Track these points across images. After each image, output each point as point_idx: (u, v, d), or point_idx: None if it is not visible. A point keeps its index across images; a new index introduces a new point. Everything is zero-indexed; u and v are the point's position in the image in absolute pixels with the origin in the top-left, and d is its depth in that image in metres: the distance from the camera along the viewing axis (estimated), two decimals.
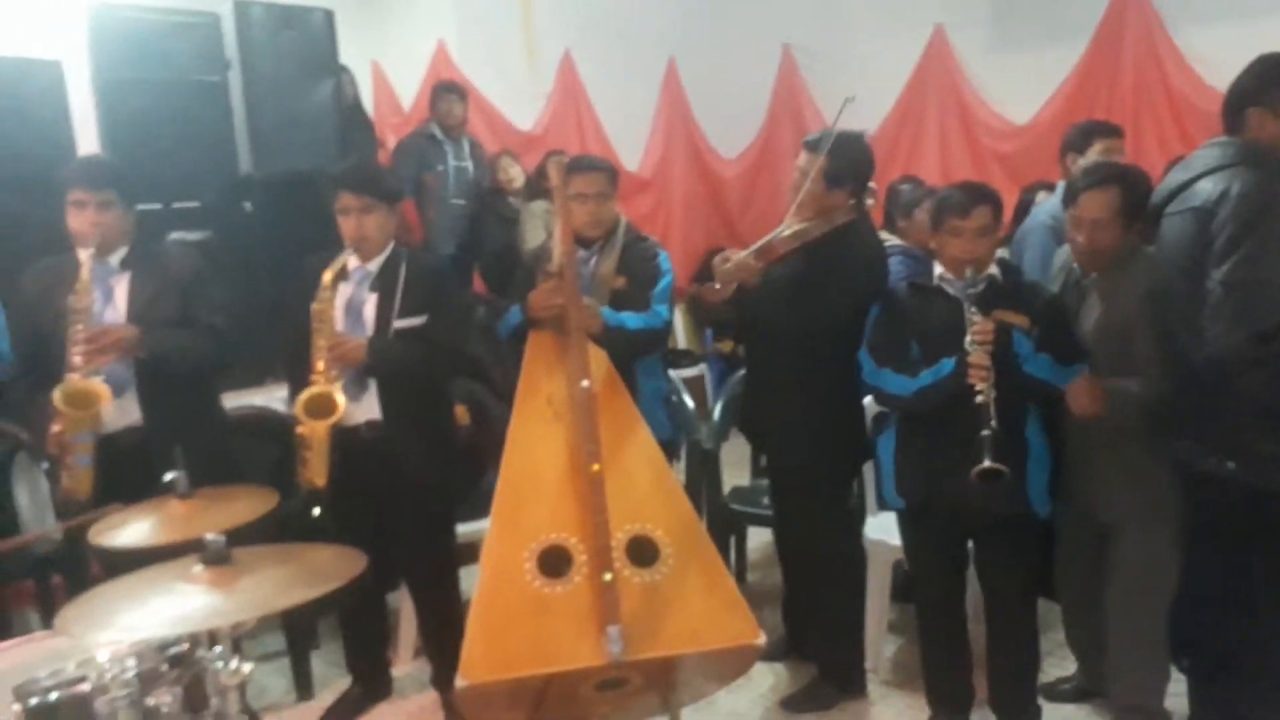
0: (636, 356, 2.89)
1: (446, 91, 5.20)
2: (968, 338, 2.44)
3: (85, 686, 1.48)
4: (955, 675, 2.80)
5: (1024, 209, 4.24)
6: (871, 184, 3.03)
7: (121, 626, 1.46)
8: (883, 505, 2.92)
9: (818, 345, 2.80)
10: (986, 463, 2.32)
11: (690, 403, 3.85)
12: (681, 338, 6.54)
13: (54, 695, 1.47)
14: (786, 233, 2.79)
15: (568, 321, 2.50)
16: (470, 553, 3.75)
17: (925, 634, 2.84)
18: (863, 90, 3.13)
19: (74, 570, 3.41)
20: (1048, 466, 2.58)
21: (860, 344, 2.71)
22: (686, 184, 6.88)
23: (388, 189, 2.90)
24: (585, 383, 2.38)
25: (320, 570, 1.64)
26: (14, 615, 3.33)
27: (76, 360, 2.52)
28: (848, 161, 2.82)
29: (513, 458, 2.53)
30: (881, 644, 3.28)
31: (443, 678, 3.04)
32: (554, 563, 2.38)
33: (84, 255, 2.68)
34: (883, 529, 3.19)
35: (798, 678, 3.17)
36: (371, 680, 3.17)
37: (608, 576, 2.24)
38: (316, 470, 2.64)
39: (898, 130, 6.38)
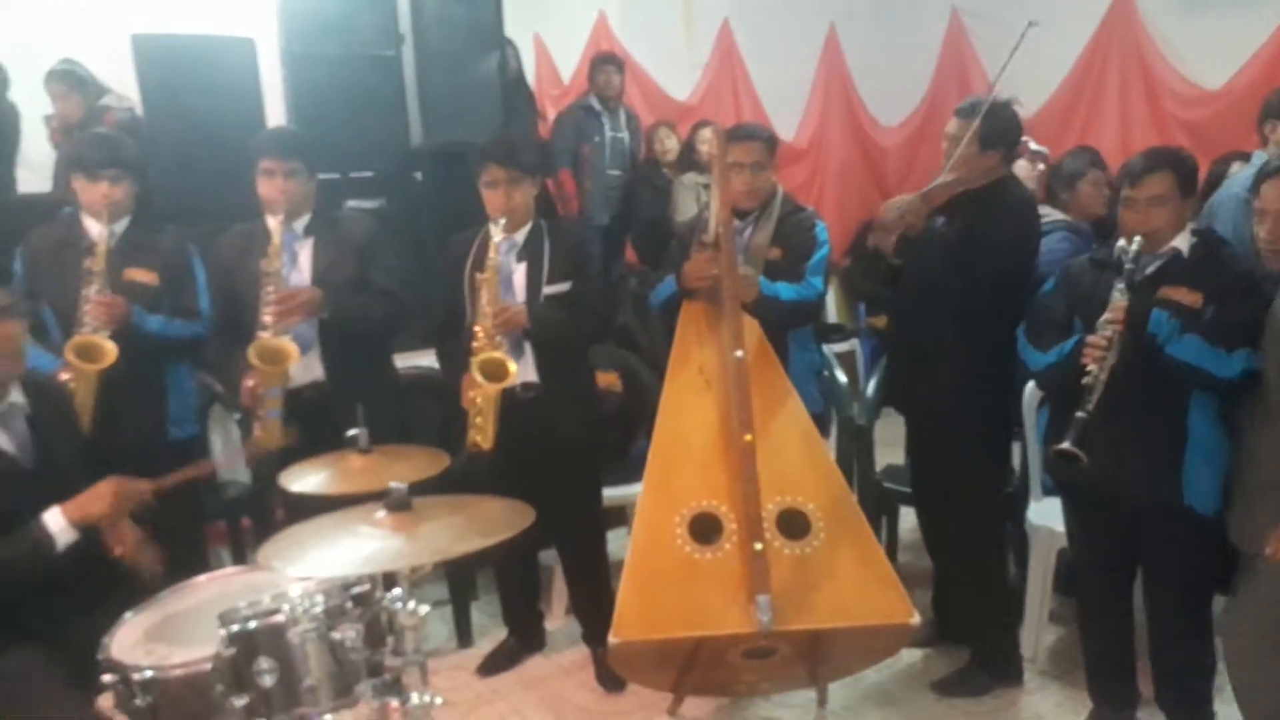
0: (790, 328, 2.87)
1: (605, 63, 5.26)
2: (1104, 316, 2.33)
3: (280, 618, 1.62)
4: (1118, 670, 2.67)
5: (1215, 181, 3.93)
6: (1043, 148, 2.90)
7: (312, 564, 1.58)
8: (1047, 489, 2.81)
9: (971, 308, 2.71)
10: (1064, 444, 2.25)
11: (843, 377, 3.80)
12: (834, 312, 6.43)
13: (252, 624, 1.62)
14: (948, 179, 2.72)
15: (722, 292, 2.50)
16: (620, 516, 3.87)
17: (1085, 624, 2.73)
18: (1036, 55, 2.99)
19: (261, 513, 3.71)
20: (1218, 461, 2.38)
21: (1014, 312, 2.65)
22: (843, 153, 6.74)
23: (532, 161, 2.97)
24: (738, 353, 2.39)
25: (491, 521, 1.73)
26: (210, 552, 3.62)
27: (267, 320, 2.71)
28: (999, 125, 2.74)
29: (664, 425, 2.57)
30: (1042, 632, 3.17)
31: (591, 634, 3.15)
32: (704, 530, 2.41)
33: (273, 222, 2.87)
34: (1046, 514, 3.07)
35: (948, 664, 3.11)
36: (526, 633, 3.31)
37: (758, 546, 2.26)
38: (486, 433, 2.75)
39: (1074, 97, 6.02)
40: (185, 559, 3.01)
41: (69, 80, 4.83)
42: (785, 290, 2.79)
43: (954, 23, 6.71)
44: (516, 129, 4.70)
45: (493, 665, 3.23)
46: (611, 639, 2.23)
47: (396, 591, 1.65)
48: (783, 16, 6.32)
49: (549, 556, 3.50)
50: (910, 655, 3.16)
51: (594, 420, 3.14)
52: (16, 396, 2.08)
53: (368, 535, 1.64)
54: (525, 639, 3.31)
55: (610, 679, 3.06)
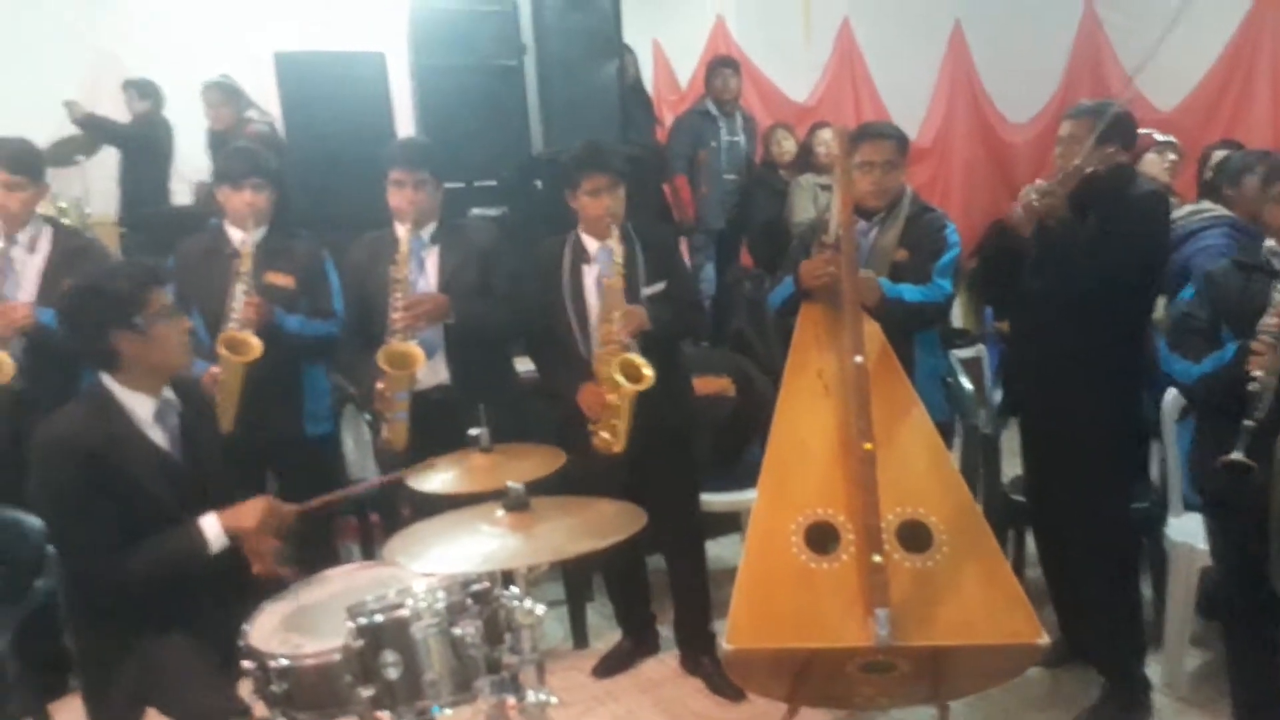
0: (914, 331, 2.80)
1: (721, 66, 5.25)
2: (1264, 319, 2.20)
3: (404, 612, 1.67)
4: (1267, 699, 2.50)
5: None
6: (1170, 138, 2.76)
7: (435, 560, 1.63)
8: (1187, 504, 2.65)
9: (1099, 308, 2.59)
10: (1234, 455, 2.14)
11: (968, 384, 3.68)
12: (959, 316, 6.24)
13: (379, 618, 1.68)
14: (1075, 163, 2.62)
15: (842, 294, 2.46)
16: (733, 522, 3.85)
17: (1233, 649, 2.56)
18: (1177, 46, 2.86)
19: (388, 510, 3.84)
20: None
21: (1143, 311, 2.57)
22: (968, 152, 6.55)
23: (623, 167, 3.00)
24: (859, 358, 2.33)
25: (605, 523, 1.75)
26: (340, 547, 3.78)
27: (396, 325, 2.81)
28: (1116, 123, 2.64)
29: (781, 431, 2.54)
30: (1183, 656, 2.99)
31: (685, 637, 3.16)
32: (821, 539, 2.37)
33: (401, 230, 2.98)
34: (1187, 531, 2.89)
35: (1078, 686, 2.96)
36: (640, 635, 3.32)
37: (877, 558, 2.20)
38: (619, 435, 2.79)
39: (1219, 90, 5.68)
40: (317, 553, 3.18)
41: (224, 91, 5.19)
42: (910, 292, 2.72)
43: (1088, 15, 6.43)
44: (627, 134, 4.75)
45: (608, 667, 3.26)
46: (725, 645, 2.21)
47: (514, 590, 1.68)
48: (905, 14, 6.19)
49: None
50: (1038, 679, 3.03)
51: (690, 416, 3.15)
52: (169, 394, 2.22)
53: (487, 533, 1.69)
54: (640, 641, 3.33)
55: (727, 688, 3.04)
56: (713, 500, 3.47)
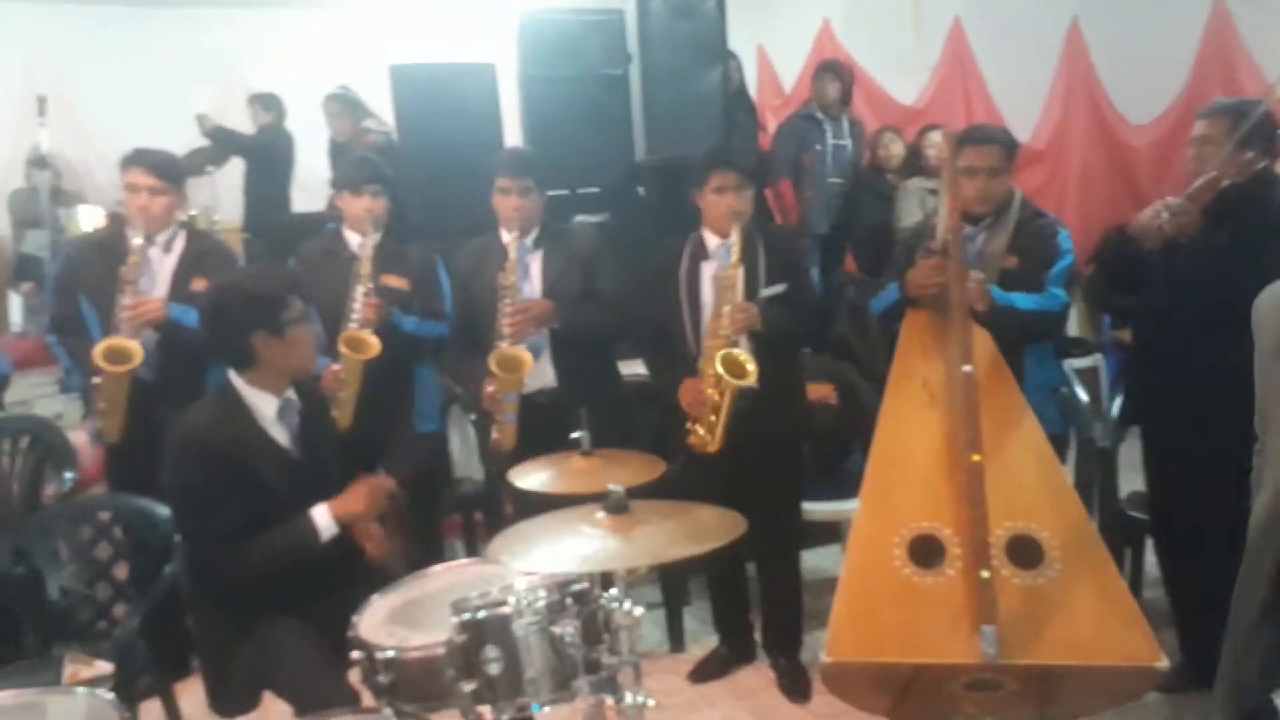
0: (1027, 341, 2.71)
1: (825, 70, 5.19)
2: None
3: (506, 609, 1.70)
4: None
5: None
6: None
7: (536, 559, 1.66)
8: None
9: (1235, 320, 2.45)
10: None
11: (1083, 396, 3.54)
12: (1074, 325, 6.01)
13: (481, 614, 1.72)
14: (1209, 175, 2.49)
15: (949, 301, 2.40)
16: (832, 532, 3.79)
17: None
18: None
19: (492, 508, 3.93)
20: None
21: None
22: (1085, 154, 6.30)
23: (755, 168, 2.98)
24: (967, 367, 2.27)
25: (705, 528, 1.75)
26: (445, 544, 3.89)
27: (505, 330, 2.89)
28: (1258, 125, 2.52)
29: (884, 441, 2.49)
30: None
31: (773, 643, 3.16)
32: (925, 552, 2.31)
33: (507, 236, 3.05)
34: None
35: (1199, 713, 2.81)
36: (737, 642, 3.31)
37: (985, 574, 2.14)
38: (715, 434, 2.79)
39: None
40: (423, 549, 3.28)
41: (343, 103, 5.43)
42: (1022, 300, 2.64)
43: (1217, 10, 6.10)
44: (730, 138, 4.74)
45: (704, 672, 3.25)
46: (824, 658, 2.18)
47: (613, 591, 1.70)
48: (1020, 12, 6.00)
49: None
50: (1157, 701, 2.88)
51: (801, 432, 3.11)
52: (291, 394, 2.33)
53: (588, 535, 1.71)
54: (736, 648, 3.31)
55: (796, 690, 3.05)
56: (812, 509, 3.43)
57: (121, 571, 2.82)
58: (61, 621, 2.71)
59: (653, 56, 4.58)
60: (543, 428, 2.89)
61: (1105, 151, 6.31)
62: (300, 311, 2.27)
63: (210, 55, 6.57)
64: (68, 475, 3.52)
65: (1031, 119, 6.24)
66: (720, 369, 2.74)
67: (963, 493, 2.23)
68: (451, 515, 4.01)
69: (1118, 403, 3.51)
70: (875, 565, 2.31)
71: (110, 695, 1.78)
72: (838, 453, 3.70)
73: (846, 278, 4.80)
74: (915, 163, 4.95)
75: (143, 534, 2.77)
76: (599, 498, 1.88)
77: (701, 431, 2.84)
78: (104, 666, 2.44)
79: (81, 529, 2.79)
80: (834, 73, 5.19)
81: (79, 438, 3.72)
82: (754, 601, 3.34)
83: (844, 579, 2.32)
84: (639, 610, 1.67)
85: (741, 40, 5.38)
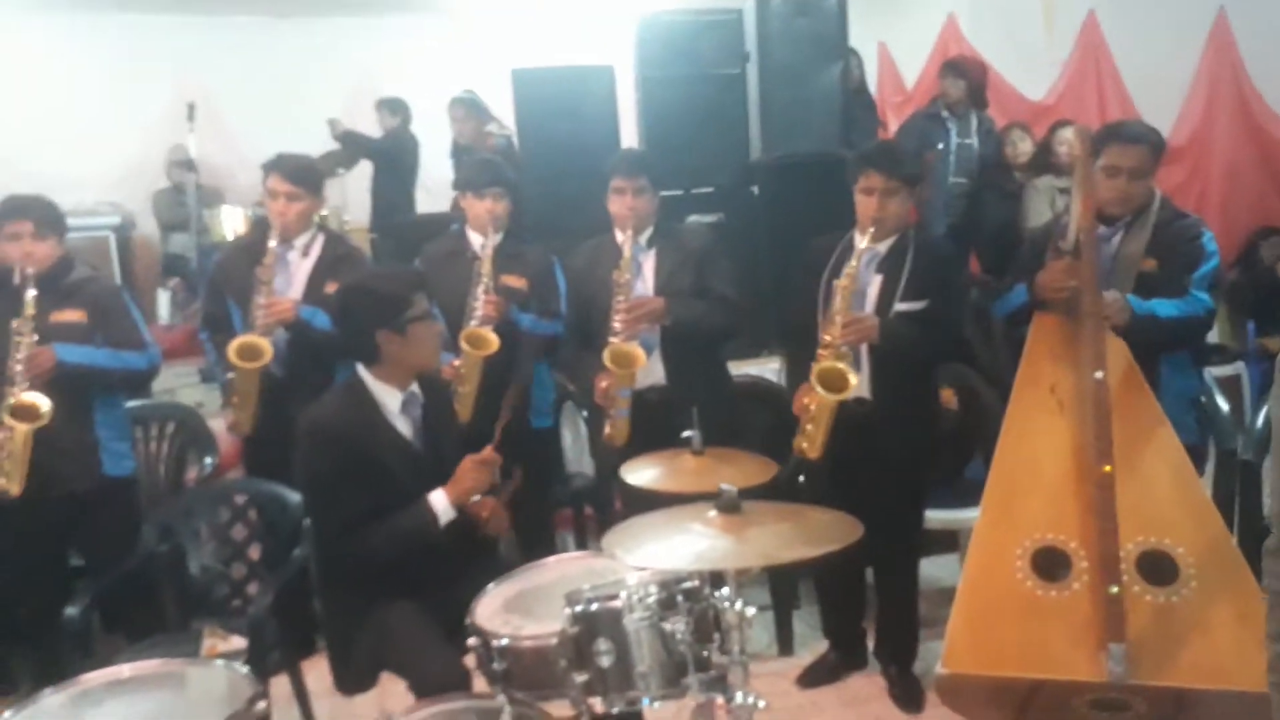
0: (1167, 349, 2.57)
1: (952, 68, 5.05)
2: None
3: (618, 603, 1.73)
4: None
5: None
6: None
7: (648, 555, 1.68)
8: None
9: None
10: None
11: (1224, 405, 3.34)
12: (1216, 331, 5.67)
13: (594, 606, 1.74)
14: None
15: (1081, 305, 2.30)
16: (950, 540, 3.69)
17: None
18: None
19: (601, 503, 3.98)
20: None
21: None
22: (1231, 152, 5.92)
23: (910, 172, 2.89)
24: (1099, 374, 2.19)
25: (819, 531, 1.73)
26: (556, 536, 3.95)
27: (618, 327, 2.92)
28: None
29: (1009, 448, 2.41)
30: None
31: (886, 652, 3.09)
32: (1049, 564, 2.24)
33: (621, 236, 3.08)
34: None
35: None
36: (847, 649, 3.26)
37: (1114, 590, 2.06)
38: (814, 442, 2.75)
39: None
40: (535, 540, 3.35)
41: (467, 106, 5.59)
42: (1163, 307, 2.51)
43: None
44: (849, 138, 4.66)
45: (813, 677, 3.21)
46: (941, 669, 2.13)
47: (725, 591, 1.70)
48: (1161, 3, 5.69)
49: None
50: None
51: (927, 445, 3.01)
52: (415, 388, 2.42)
53: (699, 533, 1.71)
54: (846, 655, 3.26)
55: (908, 700, 2.99)
56: (930, 517, 3.33)
57: (255, 552, 2.97)
58: (200, 597, 2.88)
59: (771, 54, 4.55)
60: (653, 424, 2.93)
61: (1253, 148, 5.92)
62: (423, 310, 2.35)
63: (343, 62, 6.87)
64: (208, 460, 3.74)
65: (1170, 114, 5.91)
66: (815, 381, 2.70)
67: (1092, 504, 2.15)
68: (563, 509, 4.07)
69: (1262, 413, 3.29)
70: (996, 576, 2.24)
71: (245, 669, 1.89)
72: (957, 459, 3.59)
73: (969, 279, 4.65)
74: (1045, 160, 4.77)
75: (275, 517, 2.92)
76: (709, 497, 1.88)
77: (803, 439, 2.81)
78: (238, 641, 2.57)
79: (220, 511, 2.96)
80: (959, 71, 5.04)
81: (218, 425, 3.95)
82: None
83: (963, 589, 2.26)
84: (750, 610, 1.66)
85: (862, 37, 5.29)
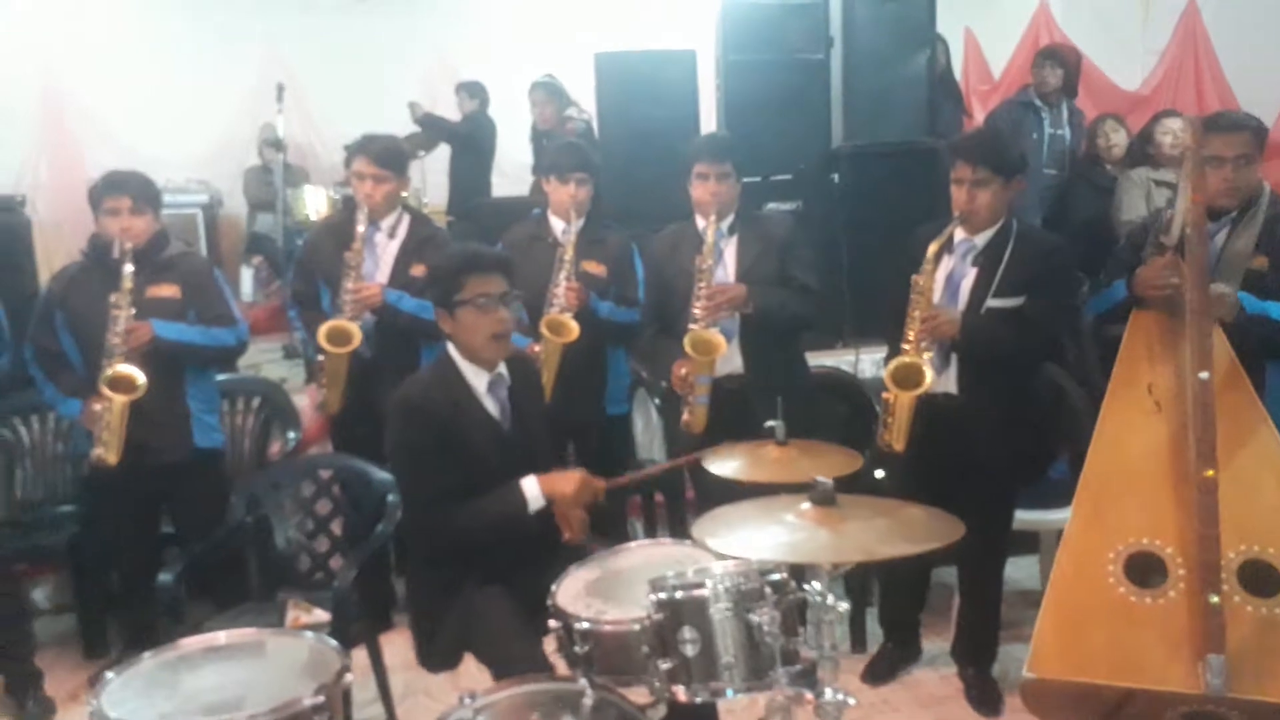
0: (1277, 354, 2.46)
1: (1048, 57, 4.88)
2: None
3: (704, 592, 1.71)
4: None
5: None
6: None
7: (741, 544, 1.65)
8: None
9: None
10: None
11: None
12: None
13: (679, 594, 1.73)
14: None
15: (1186, 302, 2.21)
16: (1031, 541, 3.59)
17: None
18: None
19: (673, 491, 3.98)
20: None
21: None
22: None
23: (1008, 162, 2.78)
24: (1204, 374, 2.10)
25: (917, 528, 1.69)
26: (626, 523, 3.96)
27: (698, 313, 2.89)
28: None
29: (1102, 448, 2.33)
30: None
31: (966, 653, 3.03)
32: (1143, 570, 2.16)
33: (702, 222, 3.05)
34: None
35: None
36: (904, 643, 3.21)
37: (1214, 599, 1.98)
38: (896, 435, 2.71)
39: None
40: (608, 527, 3.36)
41: (548, 91, 5.60)
42: (1277, 309, 2.40)
43: None
44: (934, 126, 4.56)
45: (875, 672, 3.17)
46: (1027, 673, 2.08)
47: (817, 585, 1.67)
48: None
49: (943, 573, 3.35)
50: None
51: (1018, 445, 2.90)
52: (502, 369, 2.43)
53: (793, 525, 1.68)
54: (903, 646, 3.21)
55: (985, 702, 2.93)
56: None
57: (338, 527, 3.03)
58: (284, 569, 2.94)
59: (856, 40, 4.49)
60: (730, 413, 2.91)
61: None
62: (479, 296, 2.29)
63: (424, 44, 6.95)
64: (291, 435, 3.83)
65: (1274, 107, 5.62)
66: (888, 378, 2.65)
67: (1191, 509, 2.08)
68: (633, 496, 4.07)
69: None
70: (1087, 580, 2.18)
71: (334, 642, 1.93)
72: (1042, 458, 3.50)
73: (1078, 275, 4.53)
74: (1143, 151, 4.59)
75: (359, 493, 2.97)
76: (791, 488, 1.86)
77: (886, 432, 2.76)
78: (320, 614, 2.62)
79: (305, 485, 3.02)
80: (1057, 59, 4.87)
81: (301, 401, 4.03)
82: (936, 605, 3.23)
83: (1051, 593, 2.20)
84: (843, 605, 1.64)
85: (949, 23, 5.16)
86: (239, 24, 6.79)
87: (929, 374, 2.66)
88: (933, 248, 2.70)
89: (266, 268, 6.42)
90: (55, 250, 4.95)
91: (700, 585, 1.72)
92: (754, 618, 1.67)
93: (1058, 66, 4.84)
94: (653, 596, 1.75)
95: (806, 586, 1.69)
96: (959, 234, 2.72)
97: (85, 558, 3.40)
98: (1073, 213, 4.74)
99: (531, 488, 2.30)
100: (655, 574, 1.84)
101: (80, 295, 2.98)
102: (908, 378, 2.67)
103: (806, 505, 1.71)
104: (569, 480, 2.30)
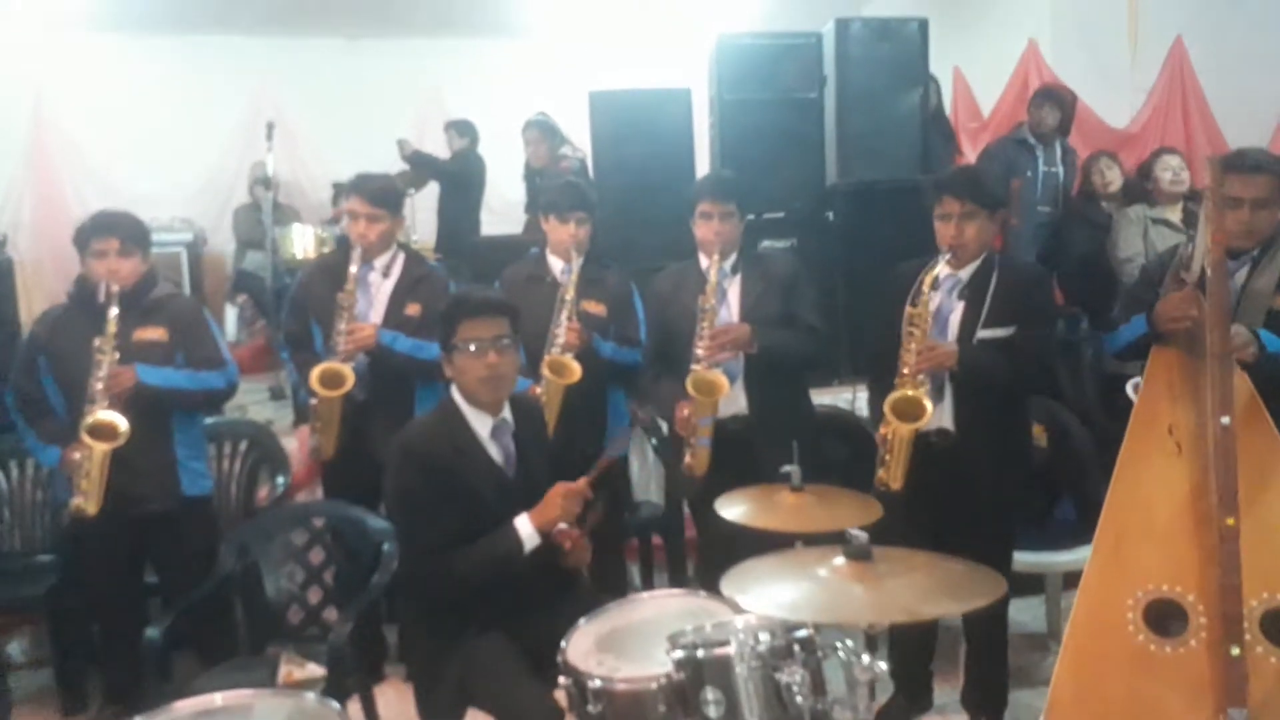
0: None
1: (1046, 97, 4.90)
2: None
3: (728, 650, 1.64)
4: None
5: None
6: None
7: (772, 602, 1.56)
8: None
9: None
10: None
11: None
12: None
13: (700, 653, 1.66)
14: None
15: (1206, 342, 2.17)
16: (1036, 584, 3.53)
17: None
18: None
19: (671, 534, 3.90)
20: None
21: None
22: None
23: (991, 196, 2.79)
24: (1225, 419, 2.05)
25: (960, 584, 1.60)
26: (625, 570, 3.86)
27: (701, 354, 2.84)
28: None
29: (1122, 491, 2.28)
30: None
31: (973, 701, 2.95)
32: (1163, 617, 2.10)
33: (706, 261, 3.01)
34: None
35: None
36: (916, 691, 3.12)
37: (1235, 650, 1.93)
38: (894, 473, 2.65)
39: None
40: (607, 570, 3.27)
41: (542, 129, 5.57)
42: None
43: None
44: (927, 164, 4.56)
45: None
46: None
47: (850, 643, 1.60)
48: (1249, 29, 5.52)
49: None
50: None
51: (1017, 482, 2.88)
52: (507, 414, 2.37)
53: (826, 581, 1.59)
54: (914, 698, 3.12)
55: None
56: (1017, 559, 3.20)
57: (330, 576, 2.93)
58: (275, 621, 2.83)
59: (850, 79, 4.49)
60: (733, 454, 2.85)
61: None
62: (471, 340, 2.25)
63: (414, 83, 6.94)
64: (280, 479, 3.73)
65: (1259, 144, 5.70)
66: (888, 410, 2.60)
67: (1213, 556, 2.02)
68: (629, 540, 3.99)
69: None
70: (1106, 627, 2.12)
71: (337, 706, 1.83)
72: (1046, 500, 3.46)
73: (1055, 310, 4.51)
74: (1140, 187, 4.60)
75: (354, 542, 2.87)
76: (806, 538, 1.79)
77: (882, 471, 2.70)
78: (316, 669, 2.52)
79: (298, 533, 2.92)
80: (1055, 100, 4.88)
81: (290, 444, 3.93)
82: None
83: (1069, 639, 2.14)
84: (881, 665, 1.56)
85: (939, 62, 5.18)
86: (227, 62, 6.77)
87: (929, 406, 2.61)
88: (927, 278, 2.66)
89: (251, 306, 6.32)
90: (35, 289, 4.86)
91: (724, 643, 1.64)
92: (782, 677, 1.60)
93: (1055, 108, 4.86)
94: (672, 654, 1.68)
95: (838, 644, 1.61)
96: (944, 269, 2.70)
97: (64, 610, 3.27)
98: (1068, 249, 4.74)
99: (525, 526, 2.24)
100: (670, 628, 1.77)
101: (64, 339, 2.89)
102: (907, 411, 2.62)
103: (840, 560, 1.62)
104: (551, 503, 2.25)
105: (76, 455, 2.74)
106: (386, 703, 2.87)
